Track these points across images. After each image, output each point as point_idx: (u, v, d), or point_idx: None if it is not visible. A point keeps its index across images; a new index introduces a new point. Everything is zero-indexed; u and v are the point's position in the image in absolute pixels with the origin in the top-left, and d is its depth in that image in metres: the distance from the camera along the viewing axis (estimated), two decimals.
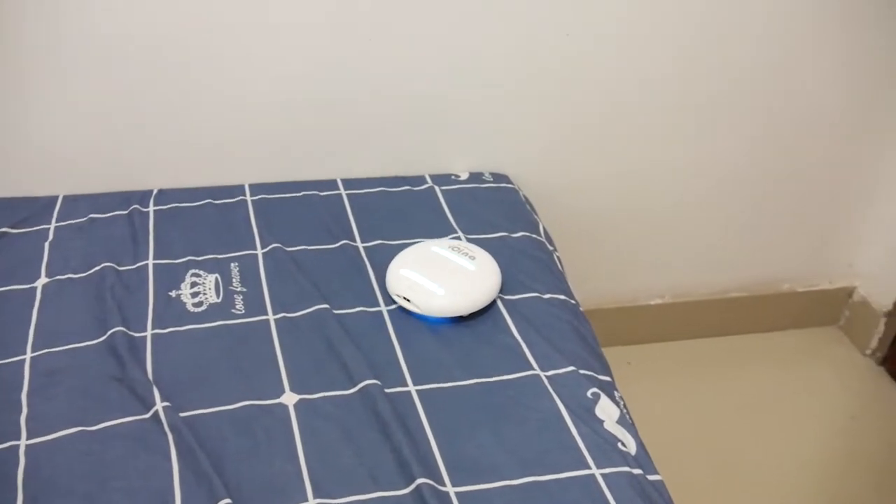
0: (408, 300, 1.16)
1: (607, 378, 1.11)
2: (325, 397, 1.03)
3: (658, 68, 1.54)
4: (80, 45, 1.32)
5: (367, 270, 1.27)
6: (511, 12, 1.42)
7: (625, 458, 0.96)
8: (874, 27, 1.58)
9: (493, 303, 1.20)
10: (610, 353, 1.87)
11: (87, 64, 1.34)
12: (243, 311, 1.17)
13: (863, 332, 1.95)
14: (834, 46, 1.59)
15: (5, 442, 0.96)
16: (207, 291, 1.21)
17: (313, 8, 1.35)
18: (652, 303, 1.86)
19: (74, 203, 1.40)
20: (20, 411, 1.00)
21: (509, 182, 1.53)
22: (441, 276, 1.18)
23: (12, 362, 1.07)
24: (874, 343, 1.93)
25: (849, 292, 1.97)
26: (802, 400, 1.82)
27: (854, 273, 1.96)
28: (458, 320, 1.16)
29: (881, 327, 1.90)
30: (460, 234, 1.35)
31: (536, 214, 1.47)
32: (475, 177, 1.53)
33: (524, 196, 1.51)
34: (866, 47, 1.60)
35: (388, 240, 1.34)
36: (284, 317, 1.16)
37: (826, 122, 1.69)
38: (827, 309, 1.99)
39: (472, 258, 1.22)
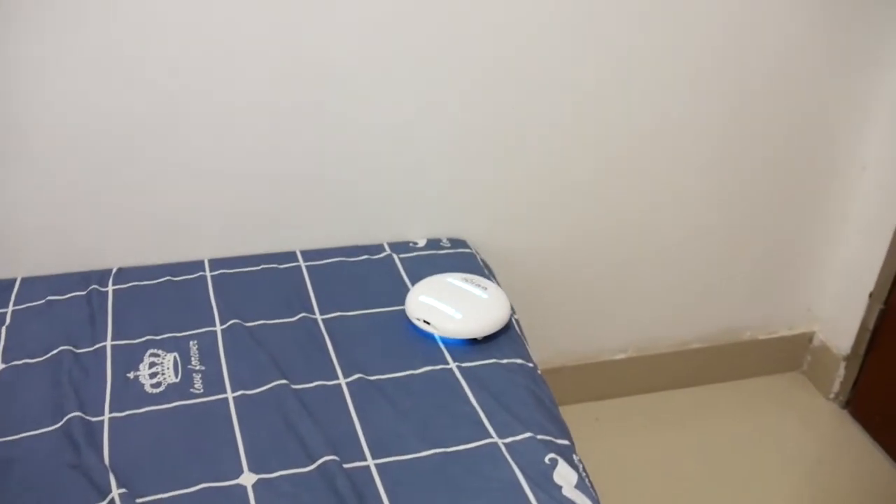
0: (427, 323, 1.27)
1: (566, 442, 1.12)
2: (283, 476, 1.03)
3: (610, 131, 1.59)
4: (34, 127, 1.34)
5: (325, 343, 1.28)
6: (460, 81, 1.46)
7: None
8: (825, 74, 1.65)
9: (452, 370, 1.22)
10: (578, 410, 1.90)
11: (43, 146, 1.35)
12: (202, 391, 1.17)
13: (825, 376, 1.98)
14: (790, 97, 1.65)
15: None
16: (166, 371, 1.21)
17: (264, 87, 1.38)
18: (616, 358, 1.88)
19: (32, 285, 1.40)
20: None
21: (467, 247, 1.56)
22: (457, 303, 1.30)
23: None
24: (836, 387, 1.96)
25: (809, 337, 2.01)
26: (769, 447, 1.84)
27: (813, 318, 1.99)
28: (473, 343, 1.27)
29: (842, 371, 1.93)
30: None
31: (495, 278, 1.49)
32: (433, 243, 1.55)
33: (482, 260, 1.53)
34: (826, 91, 1.66)
35: (347, 311, 1.35)
36: (243, 394, 1.16)
37: (780, 171, 1.75)
38: (789, 355, 2.02)
39: (485, 289, 1.34)
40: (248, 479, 1.02)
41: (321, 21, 1.35)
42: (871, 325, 1.84)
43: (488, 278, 1.46)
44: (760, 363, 2.01)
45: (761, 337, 1.97)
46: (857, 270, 1.85)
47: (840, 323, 1.93)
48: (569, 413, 1.84)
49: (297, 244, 1.51)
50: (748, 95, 1.62)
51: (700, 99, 1.60)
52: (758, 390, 1.99)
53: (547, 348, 1.80)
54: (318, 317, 1.34)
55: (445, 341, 1.27)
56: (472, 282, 1.36)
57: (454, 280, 1.37)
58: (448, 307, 1.29)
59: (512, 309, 1.42)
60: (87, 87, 1.32)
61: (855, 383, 1.91)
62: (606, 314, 1.82)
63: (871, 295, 1.83)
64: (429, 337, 1.29)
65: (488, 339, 1.29)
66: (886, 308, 1.80)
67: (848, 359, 1.91)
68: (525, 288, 1.67)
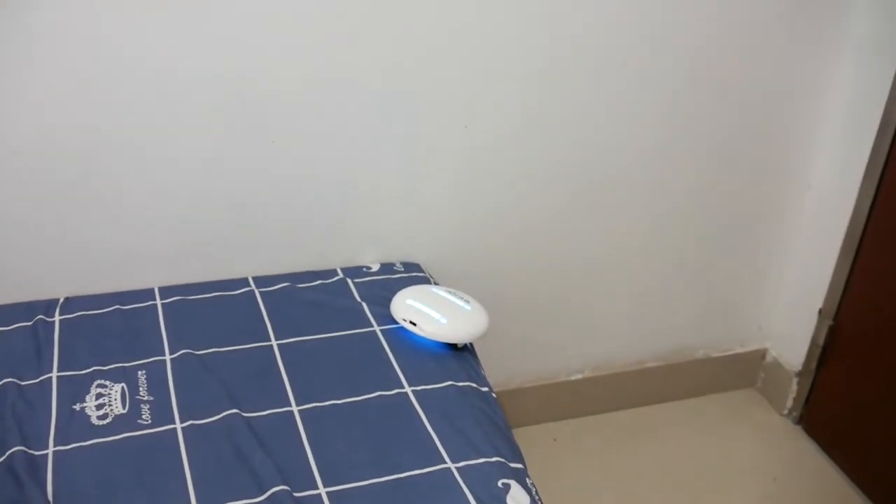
0: (413, 324, 1.33)
1: (519, 465, 1.12)
2: None
3: (562, 154, 1.61)
4: None
5: (279, 370, 1.26)
6: (411, 107, 1.47)
7: None
8: (788, 106, 1.69)
9: (406, 394, 1.21)
10: (535, 430, 1.90)
11: None
12: (150, 422, 1.15)
13: (778, 392, 2.01)
14: (737, 118, 1.69)
15: None
16: (113, 402, 1.19)
17: (212, 113, 1.37)
18: (573, 378, 1.89)
19: None
20: None
21: (421, 270, 1.56)
22: (442, 309, 1.36)
23: None
24: (790, 403, 1.99)
25: (762, 354, 2.04)
26: (725, 464, 1.85)
27: (764, 336, 2.03)
28: (452, 348, 1.33)
29: (794, 387, 1.96)
30: (374, 325, 1.36)
31: None
32: (386, 267, 1.55)
33: (436, 283, 1.53)
34: (770, 111, 1.70)
35: (304, 335, 1.34)
36: (192, 424, 1.15)
37: (727, 192, 1.78)
38: (742, 372, 2.05)
39: (467, 301, 1.39)
40: None
41: (271, 46, 1.35)
42: (821, 342, 1.87)
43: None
44: (715, 381, 2.03)
45: (714, 355, 2.00)
46: (807, 287, 1.89)
47: (791, 340, 1.96)
48: (526, 434, 1.86)
49: (248, 270, 1.50)
50: (695, 116, 1.66)
51: (647, 121, 1.63)
52: (713, 407, 2.01)
53: (503, 370, 1.80)
54: (274, 342, 1.33)
55: (426, 342, 1.32)
56: (455, 294, 1.41)
57: (439, 291, 1.42)
58: (434, 312, 1.34)
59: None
60: (34, 115, 1.30)
61: (807, 399, 1.95)
62: (562, 336, 1.84)
63: (820, 311, 1.87)
64: (410, 338, 1.34)
65: (464, 348, 1.34)
66: (836, 324, 1.84)
67: (800, 375, 1.95)
68: None
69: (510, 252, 1.69)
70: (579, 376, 1.90)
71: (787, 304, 1.96)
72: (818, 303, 1.86)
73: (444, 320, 1.33)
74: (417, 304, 1.37)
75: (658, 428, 1.94)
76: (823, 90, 1.71)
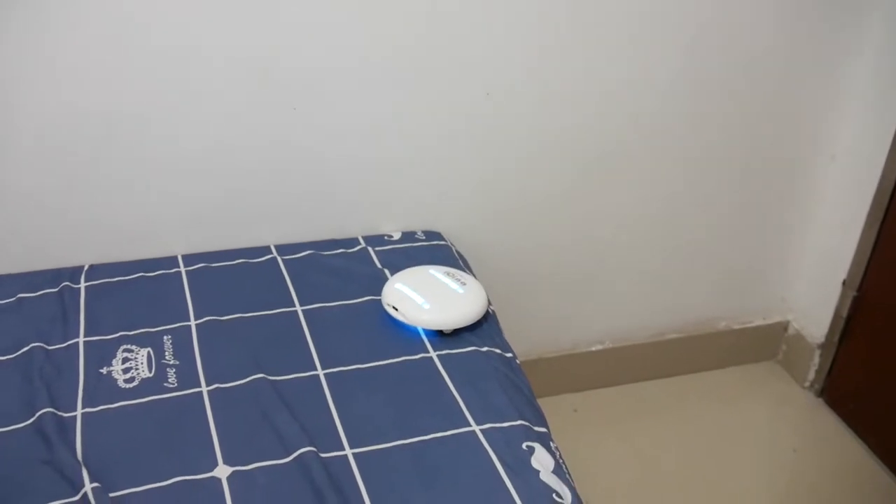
0: (396, 309, 1.28)
1: (543, 429, 1.12)
2: (259, 468, 1.02)
3: (584, 129, 1.60)
4: (5, 127, 1.32)
5: (304, 335, 1.27)
6: (431, 76, 1.46)
7: None
8: (812, 83, 1.67)
9: (431, 359, 1.22)
10: (556, 401, 1.90)
11: (14, 144, 1.33)
12: (176, 385, 1.16)
13: (800, 365, 2.00)
14: (760, 88, 1.66)
15: None
16: (139, 366, 1.20)
17: (238, 79, 1.37)
18: (593, 349, 1.89)
19: (3, 283, 1.38)
20: None
21: (442, 239, 1.55)
22: (430, 294, 1.30)
23: None
24: (811, 375, 1.98)
25: (784, 326, 2.03)
26: (745, 436, 1.85)
27: (787, 307, 2.01)
28: (440, 334, 1.28)
29: (816, 359, 1.95)
30: None
31: (470, 270, 1.49)
32: (408, 236, 1.55)
33: (457, 252, 1.53)
34: (794, 81, 1.68)
35: (327, 302, 1.35)
36: (218, 388, 1.15)
37: (751, 163, 1.76)
38: (764, 344, 2.04)
39: (463, 284, 1.34)
40: (222, 471, 1.01)
41: (294, 18, 1.34)
42: (844, 313, 1.86)
43: (467, 272, 1.45)
44: (736, 353, 2.02)
45: (736, 327, 1.99)
46: (831, 259, 1.87)
47: (814, 311, 1.95)
48: (546, 404, 1.84)
49: (271, 239, 1.51)
50: (718, 88, 1.64)
51: (670, 94, 1.61)
52: (734, 380, 2.01)
53: (523, 340, 1.80)
54: (298, 308, 1.33)
55: (411, 329, 1.28)
56: (452, 276, 1.36)
57: (436, 272, 1.37)
58: (419, 297, 1.29)
59: (488, 300, 1.42)
60: (60, 88, 1.30)
61: (829, 371, 1.93)
62: (582, 306, 1.83)
63: (844, 283, 1.85)
64: (399, 324, 1.29)
65: (459, 331, 1.28)
66: (860, 295, 1.82)
67: (822, 347, 1.93)
68: (501, 280, 1.67)
69: (531, 222, 1.68)
70: (600, 347, 1.89)
71: (811, 276, 1.94)
72: (842, 274, 1.85)
73: (426, 305, 1.27)
74: (405, 289, 1.31)
75: (678, 400, 1.94)
76: (849, 59, 1.68)
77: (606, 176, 1.68)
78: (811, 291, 1.95)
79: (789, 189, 1.83)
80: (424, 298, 1.29)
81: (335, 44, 1.38)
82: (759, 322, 2.01)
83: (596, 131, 1.61)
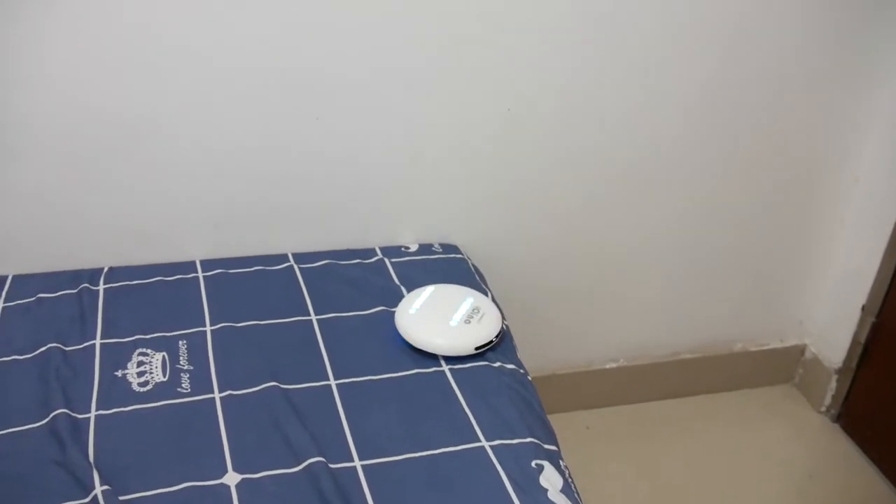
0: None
1: (553, 447, 1.12)
2: (268, 476, 1.02)
3: (603, 145, 1.60)
4: (30, 128, 1.34)
5: (318, 344, 1.27)
6: (454, 90, 1.46)
7: None
8: (832, 100, 1.66)
9: (443, 373, 1.22)
10: (568, 418, 1.89)
11: (36, 146, 1.35)
12: (189, 390, 1.17)
13: (816, 389, 1.98)
14: (783, 107, 1.65)
15: None
16: (154, 370, 1.21)
17: (261, 87, 1.38)
18: (607, 367, 1.88)
19: (24, 282, 1.40)
20: None
21: (458, 252, 1.56)
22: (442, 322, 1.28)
23: None
24: (828, 400, 1.95)
25: (801, 350, 2.01)
26: (760, 460, 1.83)
27: (804, 331, 1.99)
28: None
29: (833, 384, 1.93)
30: None
31: (486, 284, 1.49)
32: (425, 248, 1.55)
33: (473, 266, 1.53)
34: (819, 101, 1.67)
35: (342, 312, 1.35)
36: (231, 394, 1.16)
37: (771, 183, 1.75)
38: (780, 367, 2.02)
39: (476, 312, 1.31)
40: (231, 478, 1.02)
41: (317, 27, 1.35)
42: (863, 339, 1.84)
43: (481, 288, 1.45)
44: (752, 375, 2.01)
45: (752, 349, 1.97)
46: (850, 283, 1.86)
47: (832, 336, 1.93)
48: (559, 421, 1.84)
49: (289, 247, 1.51)
50: (740, 107, 1.63)
51: (692, 112, 1.61)
52: (749, 402, 1.99)
53: (538, 356, 1.80)
54: (314, 317, 1.34)
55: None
56: (464, 305, 1.32)
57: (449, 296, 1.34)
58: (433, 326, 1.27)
59: (502, 314, 1.42)
60: (81, 88, 1.32)
61: (846, 397, 1.91)
62: (598, 323, 1.82)
63: (863, 308, 1.83)
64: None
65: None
66: (879, 322, 1.80)
67: (840, 372, 1.91)
68: (516, 295, 1.67)
69: (548, 237, 1.68)
70: (614, 365, 1.88)
71: (830, 300, 1.92)
72: (861, 299, 1.83)
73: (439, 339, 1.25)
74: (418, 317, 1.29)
75: (692, 420, 1.92)
76: (876, 80, 1.67)
77: (625, 193, 1.67)
78: (830, 315, 1.93)
79: (811, 210, 1.82)
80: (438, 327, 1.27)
81: (359, 55, 1.39)
82: (775, 345, 1.99)
83: (615, 147, 1.61)
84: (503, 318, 1.41)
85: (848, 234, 1.85)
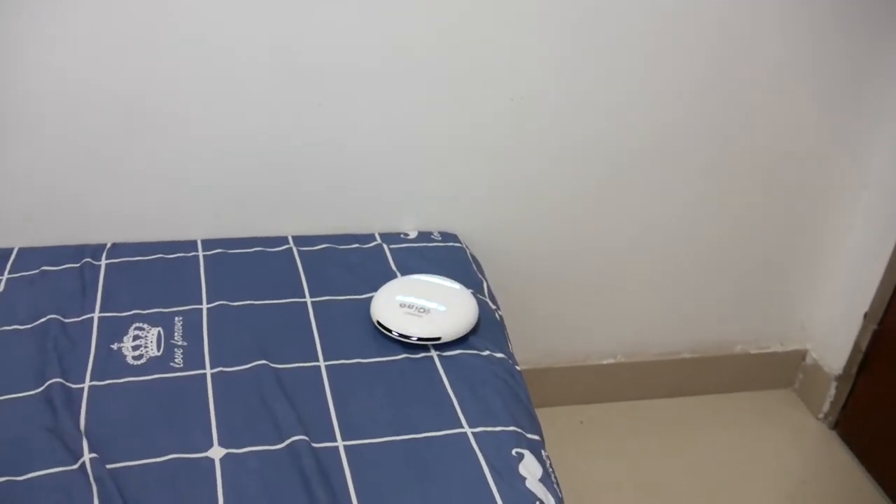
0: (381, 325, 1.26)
1: (536, 437, 1.13)
2: (251, 452, 1.04)
3: (605, 141, 1.60)
4: (38, 103, 1.36)
5: (311, 326, 1.29)
6: (457, 78, 1.47)
7: None
8: (841, 104, 1.65)
9: (432, 359, 1.23)
10: (563, 411, 1.90)
11: (44, 122, 1.38)
12: (182, 365, 1.19)
13: (815, 395, 1.97)
14: (790, 112, 1.65)
15: None
16: (149, 345, 1.23)
17: (264, 73, 1.40)
18: (604, 362, 1.88)
19: (29, 255, 1.42)
20: None
21: (457, 241, 1.57)
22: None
23: None
24: (826, 407, 1.95)
25: (802, 355, 2.00)
26: (753, 463, 1.83)
27: (806, 336, 1.99)
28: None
29: (832, 391, 1.92)
30: None
31: (482, 274, 1.50)
32: (424, 236, 1.56)
33: (471, 255, 1.54)
34: (824, 121, 1.67)
35: (337, 295, 1.37)
36: (222, 371, 1.18)
37: (777, 184, 1.75)
38: (780, 372, 2.02)
39: (442, 306, 1.29)
40: (216, 452, 1.04)
41: (321, 12, 1.37)
42: (864, 346, 1.83)
43: (476, 277, 1.47)
44: (750, 378, 2.00)
45: (752, 351, 1.97)
46: (854, 290, 1.85)
47: (833, 342, 1.92)
48: (554, 414, 1.86)
49: (290, 229, 1.53)
50: (746, 108, 1.63)
51: (696, 111, 1.60)
52: (746, 405, 1.98)
53: (534, 348, 1.81)
54: (308, 300, 1.35)
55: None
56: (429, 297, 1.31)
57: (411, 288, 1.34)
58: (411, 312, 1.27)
59: (496, 304, 1.43)
60: (90, 67, 1.35)
61: (845, 404, 1.90)
62: (596, 318, 1.83)
63: (865, 315, 1.82)
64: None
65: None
66: (880, 329, 1.79)
67: (839, 379, 1.90)
68: (515, 287, 1.68)
69: (549, 229, 1.69)
70: (611, 361, 1.89)
71: (832, 305, 1.91)
72: (864, 306, 1.82)
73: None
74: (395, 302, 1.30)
75: (687, 421, 1.92)
76: (885, 85, 1.65)
77: (627, 186, 1.67)
78: (832, 321, 1.92)
79: (817, 215, 1.81)
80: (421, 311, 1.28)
81: (361, 42, 1.40)
82: (776, 348, 1.98)
83: (617, 141, 1.61)
84: (497, 308, 1.42)
85: (854, 240, 1.84)
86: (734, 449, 1.86)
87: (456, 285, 1.36)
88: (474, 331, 1.30)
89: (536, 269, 1.72)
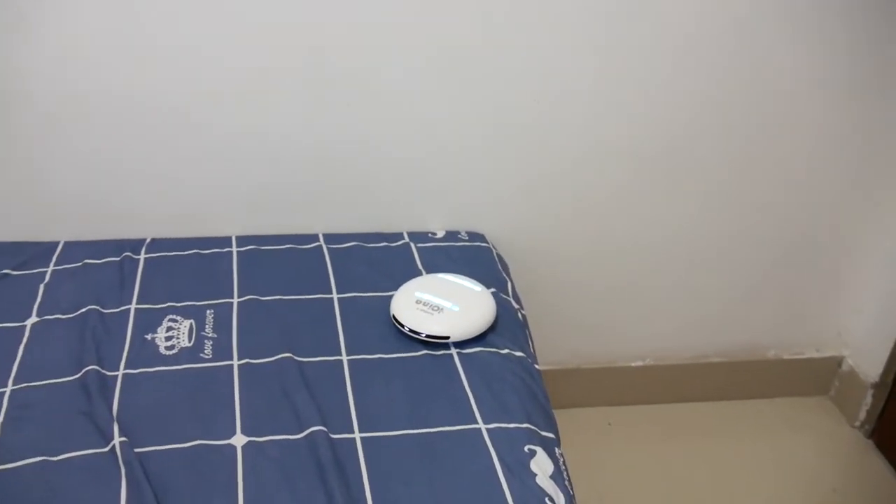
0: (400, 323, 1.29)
1: (550, 435, 1.15)
2: (272, 441, 1.08)
3: (638, 138, 1.60)
4: (87, 107, 1.43)
5: (335, 321, 1.33)
6: (484, 81, 1.50)
7: None
8: (872, 104, 1.62)
9: (451, 356, 1.26)
10: (591, 413, 1.91)
11: (90, 126, 1.45)
12: (211, 356, 1.24)
13: (851, 403, 1.94)
14: (827, 117, 1.63)
15: None
16: (181, 336, 1.28)
17: (294, 76, 1.44)
18: (633, 365, 1.88)
19: (73, 249, 1.49)
20: None
21: (484, 241, 1.59)
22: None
23: None
24: (862, 415, 1.91)
25: (838, 362, 1.97)
26: (783, 470, 1.81)
27: (843, 342, 1.95)
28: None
29: (869, 399, 1.89)
30: None
31: (508, 273, 1.52)
32: (451, 235, 1.59)
33: (498, 255, 1.56)
34: (858, 122, 1.64)
35: (362, 292, 1.41)
36: (248, 363, 1.23)
37: (816, 190, 1.72)
38: (816, 378, 1.98)
39: (455, 305, 1.31)
40: (238, 440, 1.08)
41: (350, 12, 1.40)
42: None
43: (501, 274, 1.49)
44: (784, 384, 1.97)
45: (786, 357, 1.94)
46: (891, 297, 1.81)
47: (870, 349, 1.88)
48: (581, 415, 1.87)
49: (320, 227, 1.57)
50: (784, 104, 1.61)
51: (731, 107, 1.59)
52: (779, 411, 1.96)
53: (563, 349, 1.82)
54: (335, 296, 1.39)
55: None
56: (442, 295, 1.33)
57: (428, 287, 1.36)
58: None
59: (519, 304, 1.45)
60: (131, 70, 1.40)
61: (882, 413, 1.87)
62: (625, 320, 1.83)
63: None
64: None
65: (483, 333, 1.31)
66: None
67: (876, 387, 1.87)
68: (543, 287, 1.69)
69: (576, 230, 1.69)
70: (640, 363, 1.89)
71: (870, 312, 1.88)
72: None
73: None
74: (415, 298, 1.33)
75: (717, 426, 1.90)
76: None
77: (656, 186, 1.67)
78: (869, 328, 1.88)
79: (858, 218, 1.77)
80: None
81: (391, 44, 1.44)
82: (811, 354, 1.95)
83: (644, 142, 1.61)
84: (520, 308, 1.44)
85: (893, 246, 1.80)
86: (765, 456, 1.84)
87: (478, 287, 1.38)
88: (493, 330, 1.32)
89: (564, 270, 1.73)
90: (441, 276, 1.41)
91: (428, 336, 1.26)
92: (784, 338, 1.93)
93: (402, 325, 1.28)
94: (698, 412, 1.93)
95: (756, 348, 1.92)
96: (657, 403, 1.93)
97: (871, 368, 1.88)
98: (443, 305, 1.30)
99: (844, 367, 1.96)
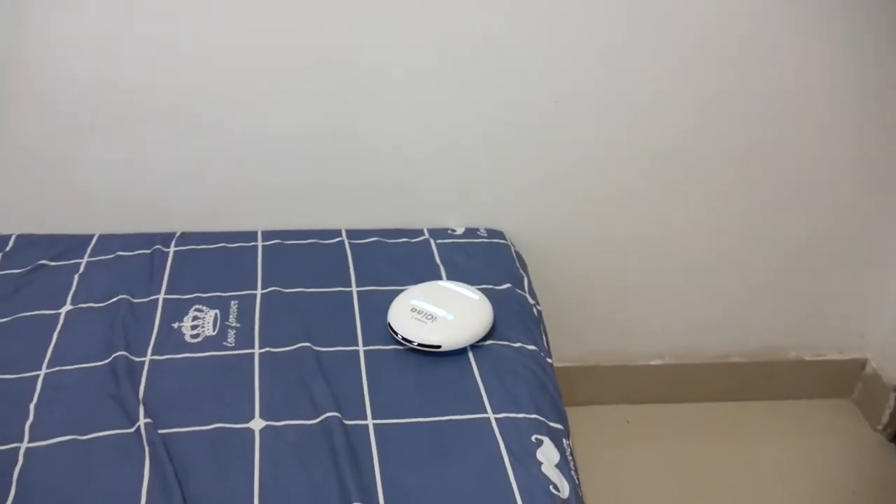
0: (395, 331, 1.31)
1: (559, 426, 1.17)
2: (289, 425, 1.13)
3: (657, 135, 1.62)
4: (121, 105, 1.49)
5: (354, 313, 1.37)
6: (504, 80, 1.52)
7: (553, 502, 1.02)
8: (887, 100, 1.62)
9: (465, 348, 1.29)
10: (610, 410, 1.92)
11: (126, 122, 1.51)
12: (233, 345, 1.29)
13: (874, 406, 1.92)
14: (846, 117, 1.63)
15: (9, 444, 1.09)
16: (206, 325, 1.33)
17: (320, 74, 1.49)
18: (652, 363, 1.89)
19: (107, 241, 1.56)
20: (27, 419, 1.14)
21: (503, 238, 1.62)
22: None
23: (28, 377, 1.22)
24: (885, 419, 1.90)
25: (861, 364, 1.95)
26: (803, 471, 1.80)
27: (866, 345, 1.94)
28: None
29: (892, 402, 1.87)
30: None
31: (525, 270, 1.55)
32: (470, 232, 1.62)
33: (516, 252, 1.59)
34: (879, 119, 1.63)
35: (381, 286, 1.45)
36: (269, 351, 1.27)
37: (840, 190, 1.72)
38: (838, 380, 1.97)
39: (450, 313, 1.32)
40: (257, 424, 1.13)
41: (371, 17, 1.44)
42: None
43: (519, 270, 1.52)
44: (806, 385, 1.97)
45: (808, 358, 1.94)
46: None
47: (894, 352, 1.87)
48: (600, 412, 1.89)
49: (343, 223, 1.62)
50: (807, 110, 1.61)
51: (748, 106, 1.60)
52: (800, 413, 1.95)
53: (582, 345, 1.84)
54: (354, 289, 1.44)
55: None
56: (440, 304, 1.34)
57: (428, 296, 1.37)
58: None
59: (535, 299, 1.48)
60: (157, 68, 1.46)
61: None
62: (644, 318, 1.84)
63: None
64: None
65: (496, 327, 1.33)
66: None
67: None
68: (562, 283, 1.72)
69: (596, 227, 1.71)
70: (659, 362, 1.90)
71: (894, 315, 1.87)
72: None
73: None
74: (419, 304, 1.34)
75: (736, 426, 1.90)
76: None
77: (676, 185, 1.68)
78: (892, 331, 1.87)
79: (883, 221, 1.76)
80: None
81: (411, 43, 1.47)
82: (834, 356, 1.94)
83: (665, 139, 1.62)
84: (536, 303, 1.46)
85: None
86: (785, 457, 1.83)
87: (476, 295, 1.38)
88: (504, 327, 1.34)
89: (583, 267, 1.75)
90: (442, 283, 1.42)
91: (420, 345, 1.28)
92: (806, 339, 1.92)
93: (396, 333, 1.30)
94: (717, 412, 1.93)
95: (777, 349, 1.92)
96: (676, 402, 1.94)
97: (894, 371, 1.87)
98: (437, 314, 1.31)
99: (868, 370, 1.95)
